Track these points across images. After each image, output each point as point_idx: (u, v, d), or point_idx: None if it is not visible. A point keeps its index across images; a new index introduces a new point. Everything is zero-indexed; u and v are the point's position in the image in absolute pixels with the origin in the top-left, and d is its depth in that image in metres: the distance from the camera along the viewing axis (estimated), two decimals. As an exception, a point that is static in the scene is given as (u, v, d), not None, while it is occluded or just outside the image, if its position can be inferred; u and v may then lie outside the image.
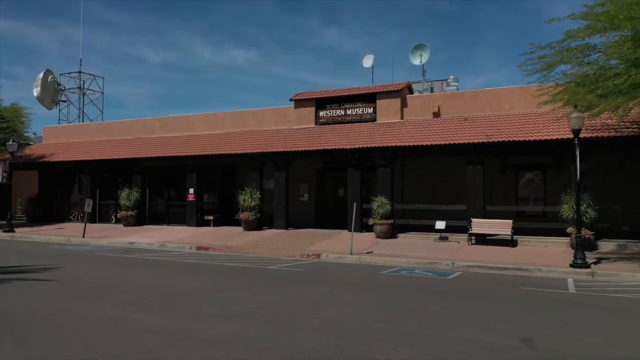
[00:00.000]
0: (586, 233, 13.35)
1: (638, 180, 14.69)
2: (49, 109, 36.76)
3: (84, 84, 37.98)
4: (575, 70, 11.28)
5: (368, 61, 23.32)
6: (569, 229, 13.50)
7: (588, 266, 10.86)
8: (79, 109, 37.85)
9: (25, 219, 24.24)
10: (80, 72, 37.45)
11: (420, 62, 22.22)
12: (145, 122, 24.14)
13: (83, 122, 38.56)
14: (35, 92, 35.27)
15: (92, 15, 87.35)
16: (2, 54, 68.97)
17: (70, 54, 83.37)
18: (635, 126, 13.37)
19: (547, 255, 12.61)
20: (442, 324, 6.04)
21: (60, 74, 37.35)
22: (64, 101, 37.82)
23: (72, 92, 38.03)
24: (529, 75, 11.87)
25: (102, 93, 38.86)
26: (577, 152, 11.38)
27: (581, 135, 12.37)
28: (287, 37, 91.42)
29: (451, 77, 23.31)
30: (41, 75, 35.34)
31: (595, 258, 12.27)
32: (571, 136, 11.81)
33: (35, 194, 24.41)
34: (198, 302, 7.19)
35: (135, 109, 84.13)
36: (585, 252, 12.89)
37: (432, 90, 23.35)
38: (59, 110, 37.63)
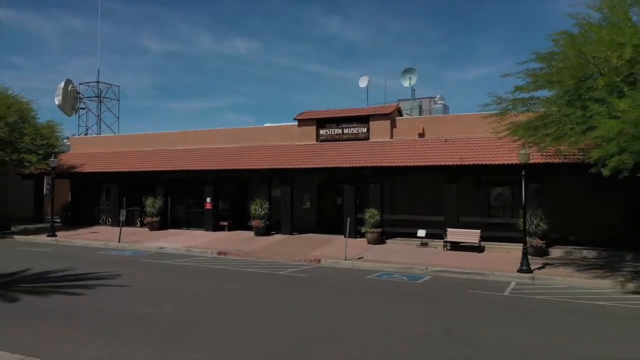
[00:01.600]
0: (538, 242, 16.32)
1: (583, 198, 17.55)
2: (69, 116, 39.76)
3: (101, 92, 40.86)
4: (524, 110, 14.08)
5: (363, 82, 26.13)
6: (537, 241, 16.40)
7: (531, 271, 13.76)
8: (97, 116, 40.78)
9: (59, 222, 27.24)
10: (98, 82, 40.33)
11: (410, 84, 25.01)
12: (165, 135, 27.03)
13: (100, 127, 41.55)
14: (57, 100, 38.21)
15: (93, 5, 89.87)
16: (2, 43, 71.70)
17: (71, 44, 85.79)
18: (581, 154, 16.16)
19: (505, 261, 15.48)
20: (393, 320, 8.95)
21: (80, 84, 40.27)
22: (83, 108, 40.74)
23: (91, 100, 40.95)
24: (488, 117, 14.73)
25: (118, 101, 41.76)
26: (523, 182, 14.25)
27: (536, 161, 15.22)
28: (289, 27, 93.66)
29: (438, 95, 26.14)
30: (62, 84, 38.25)
31: (542, 263, 15.21)
32: (530, 161, 14.60)
33: (67, 200, 27.43)
34: (232, 303, 10.10)
35: (136, 99, 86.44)
36: (537, 258, 15.93)
37: (420, 108, 26.14)
38: (78, 117, 40.57)
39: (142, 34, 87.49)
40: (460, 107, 52.19)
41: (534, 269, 14.12)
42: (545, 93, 13.63)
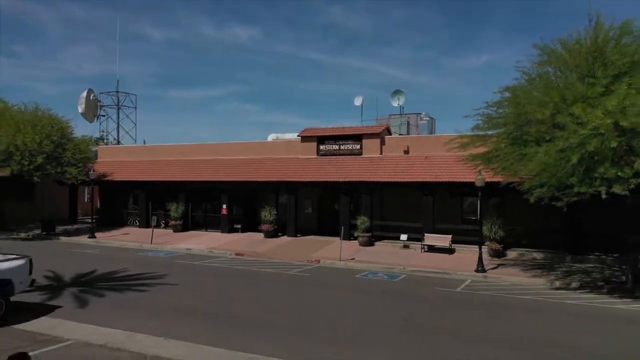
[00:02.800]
0: (496, 246, 20.11)
1: (534, 208, 21.16)
2: (91, 122, 43.57)
3: (119, 101, 44.55)
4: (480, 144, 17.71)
5: (358, 101, 29.72)
6: (487, 243, 20.18)
7: (485, 271, 17.51)
8: (117, 122, 44.51)
9: (94, 224, 31.07)
10: (117, 91, 44.01)
11: (398, 104, 28.61)
12: (184, 147, 30.77)
13: (119, 133, 45.32)
14: (80, 108, 41.97)
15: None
16: (2, 31, 74.87)
17: (72, 34, 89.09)
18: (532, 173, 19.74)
19: (468, 262, 19.18)
20: (369, 311, 12.72)
21: (100, 93, 43.94)
22: (103, 115, 44.45)
23: (110, 108, 44.63)
24: (454, 149, 18.39)
25: (135, 108, 45.44)
26: (479, 201, 17.97)
27: (495, 179, 18.81)
28: (291, 14, 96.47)
29: (423, 113, 29.71)
30: (84, 94, 41.98)
31: (498, 264, 18.99)
32: (493, 180, 18.13)
33: (99, 204, 31.24)
34: (256, 298, 13.87)
35: (136, 88, 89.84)
36: (496, 259, 19.72)
37: (408, 124, 29.76)
38: (99, 123, 44.31)
39: (143, 21, 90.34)
40: (460, 101, 55.59)
41: (489, 269, 17.90)
42: (498, 130, 17.28)
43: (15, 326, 10.55)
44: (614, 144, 12.54)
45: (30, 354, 8.46)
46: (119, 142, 45.07)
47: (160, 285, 14.83)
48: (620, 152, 13.19)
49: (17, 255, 11.65)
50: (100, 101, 43.73)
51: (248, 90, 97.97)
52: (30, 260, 11.66)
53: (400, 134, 27.81)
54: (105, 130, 45.10)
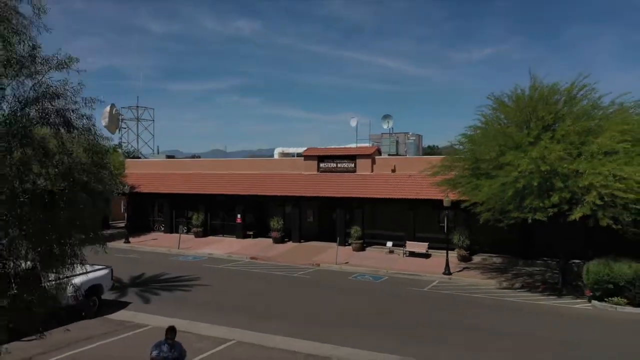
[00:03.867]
0: (463, 252, 24.66)
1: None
2: (113, 134, 48.16)
3: (139, 114, 49.11)
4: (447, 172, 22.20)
5: (353, 122, 34.20)
6: (456, 250, 24.72)
7: (450, 274, 22.03)
8: (137, 134, 49.10)
9: (124, 229, 35.70)
10: (137, 106, 48.54)
11: (388, 126, 33.08)
12: (201, 162, 35.40)
13: (138, 143, 49.90)
14: (104, 122, 46.52)
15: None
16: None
17: (74, 27, 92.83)
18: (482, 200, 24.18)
19: (441, 266, 23.62)
20: (353, 305, 17.26)
21: (122, 107, 48.50)
22: (124, 128, 49.02)
23: (130, 120, 49.19)
24: (427, 175, 22.86)
25: (153, 121, 49.99)
26: (446, 219, 22.49)
27: (462, 198, 23.18)
28: (293, 6, 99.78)
29: (410, 132, 34.17)
30: (108, 108, 46.53)
31: (463, 267, 23.53)
32: (460, 198, 22.57)
33: (128, 212, 35.82)
34: (271, 295, 18.40)
35: (137, 80, 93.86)
36: (463, 263, 24.26)
37: (397, 142, 34.23)
38: (120, 135, 48.90)
39: (143, 14, 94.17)
40: (461, 90, 59.84)
41: (455, 272, 22.44)
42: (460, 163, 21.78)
43: (107, 316, 15.17)
44: (535, 183, 17.03)
45: (129, 334, 13.70)
46: (138, 152, 49.70)
47: (198, 285, 19.43)
48: (544, 188, 17.64)
49: (102, 265, 16.20)
50: (121, 115, 48.29)
51: (248, 83, 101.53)
52: (112, 269, 16.25)
53: (389, 154, 32.28)
54: (126, 141, 49.72)
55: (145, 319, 14.96)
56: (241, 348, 12.77)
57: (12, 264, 7.38)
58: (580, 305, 17.56)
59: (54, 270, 7.97)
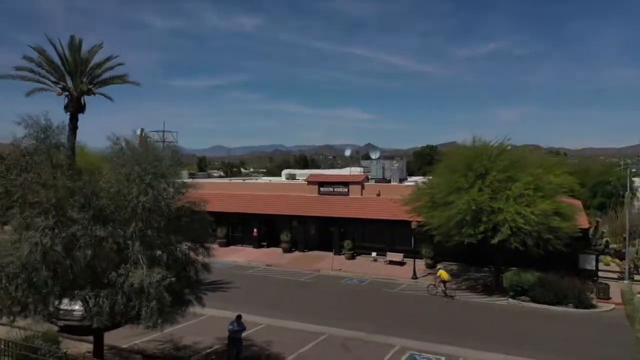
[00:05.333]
0: (429, 262, 32.29)
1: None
2: (142, 153, 55.91)
3: (164, 137, 56.82)
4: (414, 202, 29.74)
5: (347, 152, 41.78)
6: (424, 259, 32.33)
7: (417, 278, 29.62)
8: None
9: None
10: (163, 130, 56.26)
11: (375, 157, 40.64)
12: (220, 184, 43.00)
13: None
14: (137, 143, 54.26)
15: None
16: (5, 20, 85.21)
17: (76, 21, 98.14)
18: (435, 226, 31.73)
19: (411, 272, 31.22)
20: (341, 302, 24.85)
21: (150, 131, 56.23)
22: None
23: (157, 142, 56.89)
24: (400, 204, 30.47)
25: (176, 142, 57.63)
26: (413, 237, 30.10)
27: (425, 222, 30.70)
28: (295, 1, 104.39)
29: (395, 160, 41.71)
30: (139, 132, 54.15)
31: (428, 273, 31.12)
32: (426, 223, 30.22)
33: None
34: (285, 296, 25.99)
35: (140, 77, 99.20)
36: (429, 270, 31.91)
37: (383, 168, 41.79)
38: (149, 154, 56.65)
39: (146, 10, 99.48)
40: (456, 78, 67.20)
41: (420, 277, 30.02)
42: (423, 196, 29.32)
43: (178, 309, 22.81)
44: (469, 217, 24.58)
45: (194, 321, 21.79)
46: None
47: (233, 288, 27.06)
48: (475, 220, 25.11)
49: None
50: (149, 137, 56.00)
51: (251, 79, 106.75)
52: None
53: (376, 181, 39.85)
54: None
55: (202, 311, 22.37)
56: (270, 328, 20.41)
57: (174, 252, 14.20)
58: (501, 302, 25.18)
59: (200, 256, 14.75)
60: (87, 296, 12.54)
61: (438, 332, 19.89)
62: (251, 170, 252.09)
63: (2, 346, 14.04)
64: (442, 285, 26.04)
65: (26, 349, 13.75)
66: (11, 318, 12.69)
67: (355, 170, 43.50)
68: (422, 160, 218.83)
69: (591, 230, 35.09)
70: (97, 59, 25.11)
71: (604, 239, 36.51)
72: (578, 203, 30.89)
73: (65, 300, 13.55)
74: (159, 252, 12.92)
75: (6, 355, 14.10)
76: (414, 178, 41.49)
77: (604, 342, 19.18)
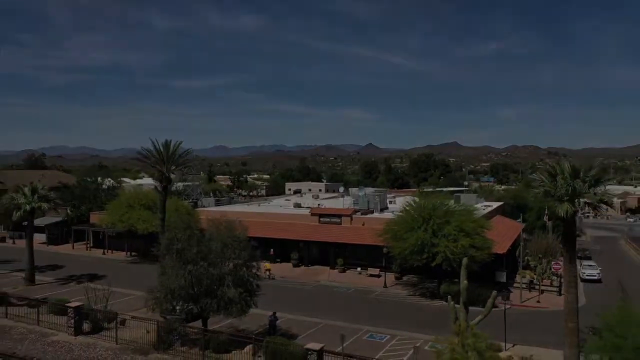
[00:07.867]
0: (396, 274, 45.40)
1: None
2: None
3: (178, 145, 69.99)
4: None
5: (340, 189, 54.80)
6: (394, 273, 45.37)
7: (387, 287, 42.60)
8: (192, 174, 70.01)
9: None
10: (187, 149, 69.45)
11: (363, 193, 53.80)
12: (247, 213, 56.09)
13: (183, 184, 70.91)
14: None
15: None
16: (10, 20, 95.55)
17: (79, 20, 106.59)
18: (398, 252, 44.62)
19: (384, 282, 44.16)
20: (332, 304, 37.86)
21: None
22: (173, 173, 69.78)
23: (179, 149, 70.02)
24: (377, 234, 43.54)
25: (193, 167, 70.85)
26: (384, 257, 43.22)
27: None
28: (298, 1, 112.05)
29: (378, 194, 54.78)
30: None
31: (396, 283, 44.19)
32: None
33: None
34: (296, 299, 38.96)
35: (141, 76, 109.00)
36: (397, 281, 45.24)
37: (368, 202, 54.81)
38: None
39: (148, 10, 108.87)
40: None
41: (391, 286, 43.01)
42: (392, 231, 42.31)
43: (229, 308, 36.00)
44: (417, 248, 37.61)
45: (243, 316, 35.10)
46: (185, 192, 70.40)
47: (262, 295, 40.07)
48: (421, 249, 38.04)
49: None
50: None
51: (254, 79, 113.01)
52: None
53: (362, 213, 52.89)
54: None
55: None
56: (289, 320, 33.37)
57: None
58: (436, 304, 38.15)
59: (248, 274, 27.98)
60: (204, 302, 25.69)
61: (390, 322, 32.96)
62: (255, 175, 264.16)
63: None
64: (268, 272, 41.51)
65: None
66: (159, 313, 25.88)
67: (348, 201, 56.60)
68: (418, 168, 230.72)
69: (519, 250, 48.04)
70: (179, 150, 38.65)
71: (526, 258, 49.36)
72: (517, 226, 44.04)
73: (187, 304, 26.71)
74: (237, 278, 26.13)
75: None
76: (402, 193, 54.96)
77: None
